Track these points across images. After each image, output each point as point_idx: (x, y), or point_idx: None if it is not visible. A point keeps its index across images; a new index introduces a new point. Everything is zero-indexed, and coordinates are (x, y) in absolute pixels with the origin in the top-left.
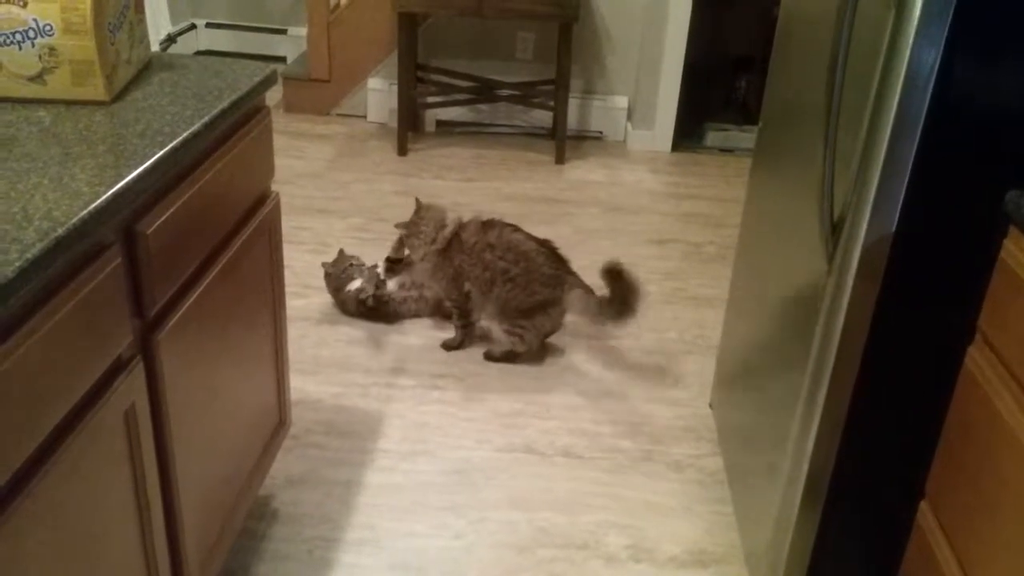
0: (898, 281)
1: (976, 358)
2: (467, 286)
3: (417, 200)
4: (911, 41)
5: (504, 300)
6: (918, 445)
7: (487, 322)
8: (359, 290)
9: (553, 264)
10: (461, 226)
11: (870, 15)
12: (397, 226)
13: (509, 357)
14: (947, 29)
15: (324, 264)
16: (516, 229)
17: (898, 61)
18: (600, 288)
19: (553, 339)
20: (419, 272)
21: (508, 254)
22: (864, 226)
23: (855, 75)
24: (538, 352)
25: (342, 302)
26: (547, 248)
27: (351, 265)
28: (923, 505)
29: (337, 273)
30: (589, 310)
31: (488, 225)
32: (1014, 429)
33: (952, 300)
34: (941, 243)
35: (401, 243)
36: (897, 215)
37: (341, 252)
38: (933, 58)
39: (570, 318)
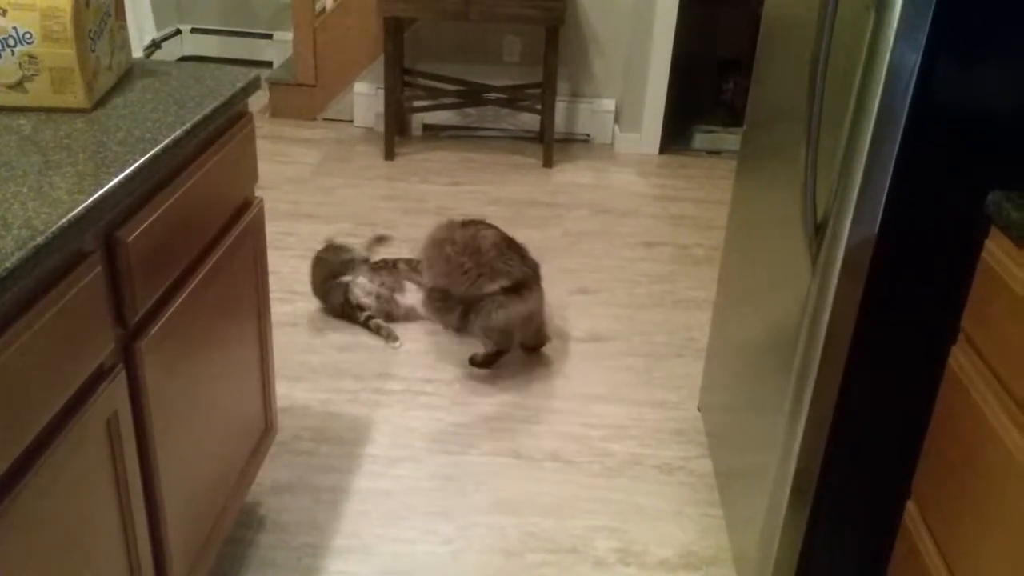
0: (881, 282)
1: (959, 358)
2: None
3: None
4: (891, 43)
5: (463, 294)
6: (904, 445)
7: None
8: (358, 306)
9: (509, 261)
10: (438, 227)
11: (850, 17)
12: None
13: (488, 360)
14: (927, 31)
15: (319, 252)
16: (491, 227)
17: (879, 63)
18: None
19: None
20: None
21: (466, 249)
22: (847, 228)
23: (836, 77)
24: (525, 356)
25: (326, 292)
26: (509, 244)
27: (352, 260)
28: (910, 505)
29: (333, 261)
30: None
31: (468, 224)
32: (997, 428)
33: (935, 301)
34: (924, 244)
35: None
36: (880, 216)
37: (331, 242)
38: (914, 60)
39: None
